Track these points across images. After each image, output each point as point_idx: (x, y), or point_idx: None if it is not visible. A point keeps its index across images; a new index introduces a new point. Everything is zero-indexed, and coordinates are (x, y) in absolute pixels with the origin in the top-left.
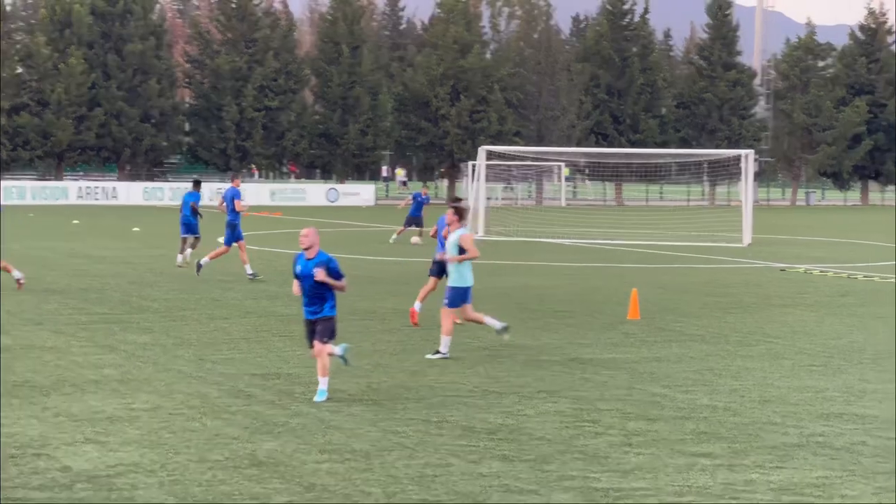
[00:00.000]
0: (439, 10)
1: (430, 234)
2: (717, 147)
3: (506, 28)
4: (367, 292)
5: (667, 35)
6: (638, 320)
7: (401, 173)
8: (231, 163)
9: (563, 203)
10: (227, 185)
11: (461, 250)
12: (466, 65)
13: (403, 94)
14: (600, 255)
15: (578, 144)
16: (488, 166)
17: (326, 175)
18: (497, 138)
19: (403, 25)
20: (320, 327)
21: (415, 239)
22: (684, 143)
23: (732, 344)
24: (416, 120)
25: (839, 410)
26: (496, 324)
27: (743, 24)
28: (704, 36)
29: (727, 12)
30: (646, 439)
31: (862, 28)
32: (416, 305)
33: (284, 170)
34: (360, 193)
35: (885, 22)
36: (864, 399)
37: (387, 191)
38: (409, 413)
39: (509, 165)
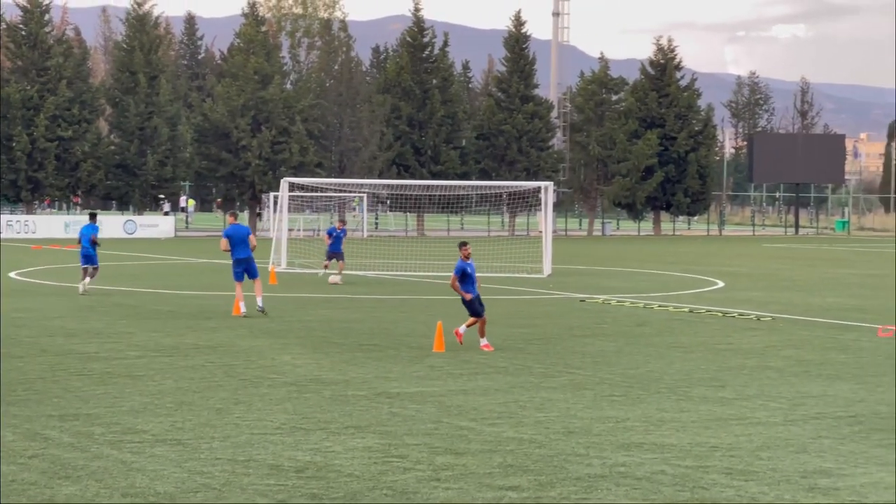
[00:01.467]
0: (238, 41)
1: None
2: (517, 178)
3: (306, 59)
4: (168, 327)
5: (466, 67)
6: (443, 353)
7: (191, 204)
8: (22, 194)
9: (365, 234)
10: (17, 217)
11: None
12: (267, 96)
13: (203, 124)
14: (404, 286)
15: (380, 176)
16: (290, 197)
17: (123, 206)
18: (299, 169)
19: (202, 55)
20: None
21: (333, 278)
22: (484, 175)
23: (536, 375)
24: (217, 151)
25: (639, 440)
26: None
27: (540, 58)
28: (502, 69)
29: (524, 46)
30: (454, 473)
31: (652, 63)
32: (461, 328)
33: (80, 201)
34: (160, 225)
35: (673, 57)
36: (663, 428)
37: (186, 222)
38: (215, 453)
39: (311, 197)
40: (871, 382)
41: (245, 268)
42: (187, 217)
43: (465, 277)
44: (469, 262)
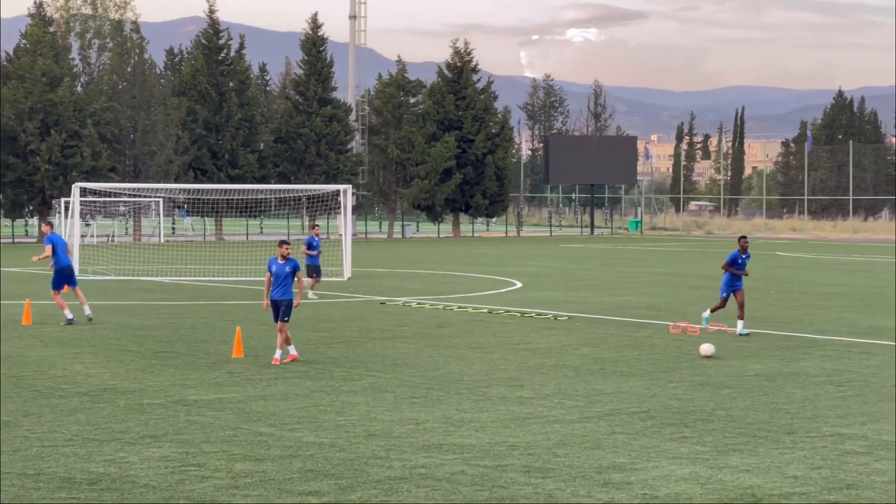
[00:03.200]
0: (25, 41)
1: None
2: (316, 181)
3: (97, 61)
4: None
5: (263, 70)
6: (242, 358)
7: None
8: None
9: (162, 240)
10: None
11: None
12: (56, 98)
13: None
14: (201, 292)
15: (176, 180)
16: (83, 203)
17: None
18: (91, 174)
19: None
20: None
21: (311, 295)
22: (283, 178)
23: (337, 379)
24: (4, 155)
25: (439, 441)
26: None
27: (337, 61)
28: (300, 71)
29: (321, 48)
30: (253, 480)
31: (449, 66)
32: (277, 353)
33: None
34: None
35: (470, 60)
36: (462, 429)
37: None
38: (3, 467)
39: (105, 202)
40: (662, 378)
41: (66, 277)
42: None
43: (273, 278)
44: (281, 261)
